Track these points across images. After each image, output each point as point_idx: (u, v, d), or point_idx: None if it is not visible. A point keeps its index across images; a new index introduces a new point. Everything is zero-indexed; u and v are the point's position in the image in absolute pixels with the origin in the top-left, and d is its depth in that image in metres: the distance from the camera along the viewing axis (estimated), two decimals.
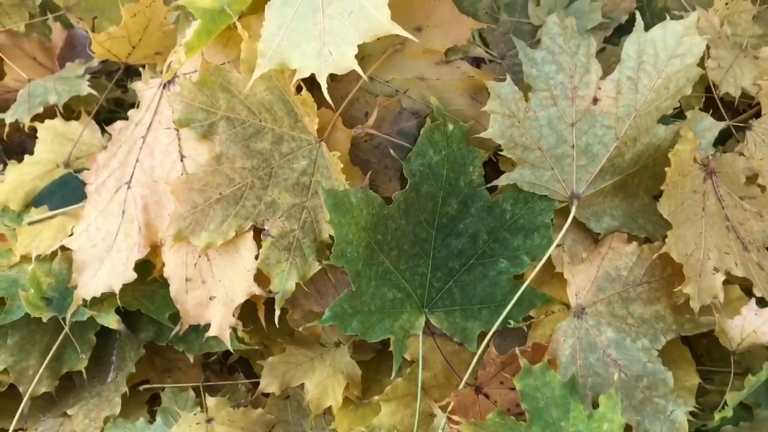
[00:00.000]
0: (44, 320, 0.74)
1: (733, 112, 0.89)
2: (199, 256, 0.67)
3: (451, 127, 0.65)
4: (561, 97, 0.66)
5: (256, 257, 0.65)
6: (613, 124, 0.67)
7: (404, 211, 0.65)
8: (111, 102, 1.00)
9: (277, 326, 0.64)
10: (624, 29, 0.96)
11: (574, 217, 0.67)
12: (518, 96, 0.65)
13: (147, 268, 0.72)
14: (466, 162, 0.66)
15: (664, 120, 0.69)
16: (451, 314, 0.67)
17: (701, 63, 0.72)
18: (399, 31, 0.55)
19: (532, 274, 0.66)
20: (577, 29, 0.92)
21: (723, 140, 0.85)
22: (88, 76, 0.90)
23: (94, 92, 0.87)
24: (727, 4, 0.90)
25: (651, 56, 0.67)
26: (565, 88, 0.66)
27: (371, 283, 0.64)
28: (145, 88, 0.73)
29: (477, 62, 0.77)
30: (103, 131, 0.85)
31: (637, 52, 0.67)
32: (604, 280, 0.68)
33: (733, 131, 0.83)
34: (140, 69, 0.83)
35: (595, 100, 0.67)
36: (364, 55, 0.67)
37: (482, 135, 0.65)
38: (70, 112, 0.91)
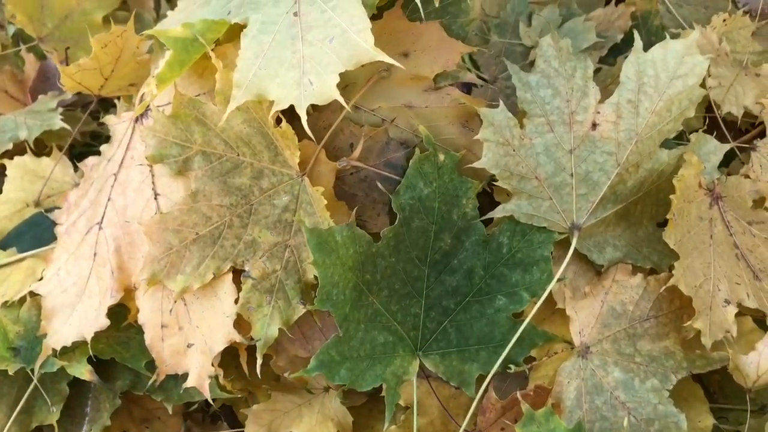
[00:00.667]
0: (11, 372, 0.69)
1: (736, 133, 0.86)
2: (175, 301, 0.63)
3: (441, 157, 0.62)
4: (558, 122, 0.63)
5: (236, 301, 0.61)
6: (614, 150, 0.64)
7: (394, 247, 0.61)
8: (87, 135, 0.97)
9: (259, 376, 0.60)
10: (620, 48, 0.93)
11: (575, 249, 0.63)
12: (513, 123, 0.62)
13: (122, 312, 0.68)
14: (459, 194, 0.63)
15: (666, 144, 0.66)
16: (447, 357, 0.63)
17: (702, 82, 0.70)
18: (383, 57, 0.51)
19: (533, 311, 0.62)
20: (572, 49, 0.91)
21: (726, 162, 0.82)
22: (60, 110, 0.86)
23: (67, 126, 0.83)
24: (725, 20, 0.87)
25: (652, 78, 0.64)
26: (562, 113, 0.63)
27: (360, 326, 0.60)
28: (116, 122, 0.69)
29: (468, 87, 0.74)
30: (76, 167, 0.81)
31: (637, 73, 0.64)
32: (609, 316, 0.64)
33: (737, 153, 0.80)
34: (116, 101, 0.80)
35: (594, 125, 0.64)
36: (347, 83, 0.64)
37: (475, 165, 0.61)
38: (42, 147, 0.87)
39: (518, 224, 0.63)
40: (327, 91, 0.52)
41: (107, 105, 0.94)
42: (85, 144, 0.96)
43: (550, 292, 0.63)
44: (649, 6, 0.93)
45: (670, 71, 0.64)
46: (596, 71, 0.88)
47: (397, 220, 0.62)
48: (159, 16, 0.98)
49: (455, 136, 0.64)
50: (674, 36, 0.89)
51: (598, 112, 0.64)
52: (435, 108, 0.64)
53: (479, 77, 0.93)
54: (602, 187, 0.64)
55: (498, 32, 0.94)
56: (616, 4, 0.95)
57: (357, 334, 0.60)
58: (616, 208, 0.65)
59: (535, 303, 0.62)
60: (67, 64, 0.84)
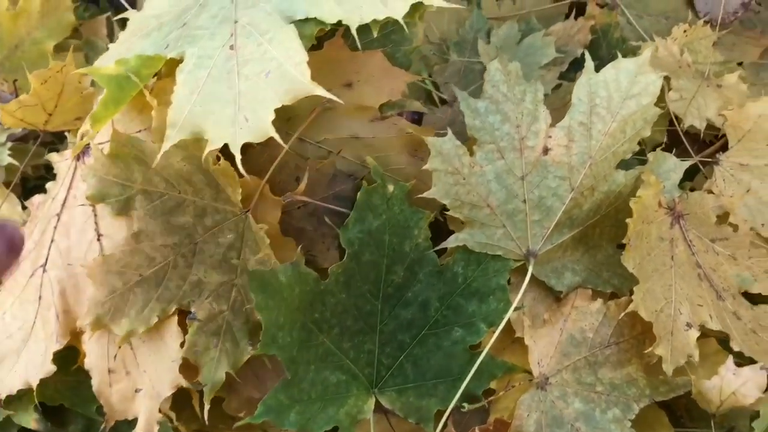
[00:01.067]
0: None
1: (700, 145, 0.85)
2: (119, 346, 0.61)
3: (391, 188, 0.60)
4: (508, 148, 0.62)
5: (182, 345, 0.59)
6: (566, 175, 0.62)
7: (344, 283, 0.60)
8: (41, 169, 0.95)
9: (206, 423, 0.58)
10: (580, 63, 0.92)
11: (532, 275, 0.62)
12: (461, 151, 0.61)
13: (71, 356, 0.66)
14: (410, 225, 0.61)
15: (623, 164, 0.65)
16: (404, 393, 0.62)
17: (662, 96, 0.69)
18: (321, 92, 0.50)
19: (490, 342, 0.60)
20: (531, 65, 0.89)
21: (691, 176, 0.81)
22: (9, 144, 0.84)
23: (15, 162, 0.81)
24: (685, 31, 0.87)
25: (604, 99, 0.63)
26: (512, 139, 0.62)
27: (310, 367, 0.58)
28: (59, 160, 0.68)
29: (418, 116, 0.73)
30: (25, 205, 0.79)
31: (589, 95, 0.63)
32: (569, 345, 0.63)
33: (701, 167, 0.79)
34: (66, 134, 0.78)
35: (546, 150, 0.62)
36: (291, 115, 0.62)
37: (425, 195, 0.60)
38: None
39: (472, 253, 0.62)
40: (263, 127, 0.50)
41: (62, 137, 0.92)
42: (39, 177, 0.94)
43: (509, 321, 0.62)
44: (609, 19, 0.93)
45: (623, 91, 0.63)
46: (556, 87, 0.87)
47: (345, 256, 0.60)
48: (114, 41, 0.95)
49: (404, 165, 0.63)
50: (635, 48, 0.89)
51: (550, 137, 0.62)
52: (382, 138, 0.63)
53: (439, 98, 0.92)
54: (557, 212, 0.63)
55: (457, 51, 0.94)
56: (576, 18, 0.94)
57: (307, 375, 0.58)
58: (572, 232, 0.64)
59: (494, 333, 0.61)
60: (17, 95, 0.82)
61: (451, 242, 0.61)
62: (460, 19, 0.98)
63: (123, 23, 0.88)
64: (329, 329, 0.60)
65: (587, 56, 0.64)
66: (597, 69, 0.64)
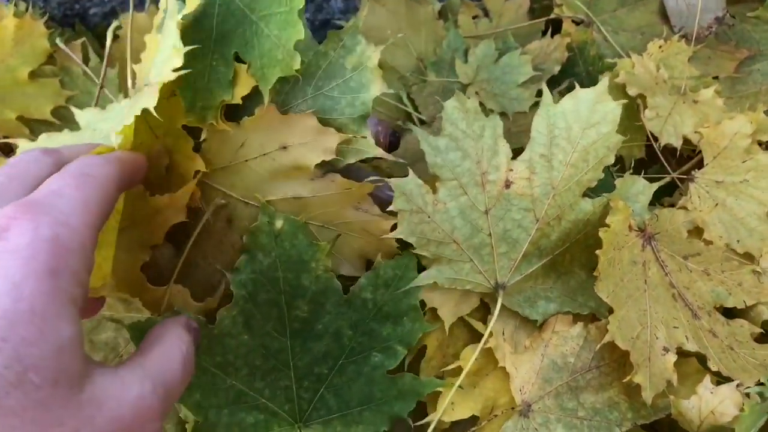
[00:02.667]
0: None
1: (678, 160, 0.87)
2: None
3: (280, 223, 0.62)
4: (470, 184, 0.64)
5: None
6: (530, 206, 0.65)
7: (244, 324, 0.61)
8: None
9: None
10: (557, 80, 0.94)
11: (506, 306, 0.65)
12: (424, 190, 0.63)
13: None
14: (305, 258, 0.63)
15: (591, 192, 0.66)
16: (329, 424, 0.63)
17: (637, 114, 0.69)
18: None
19: (465, 372, 0.62)
20: (509, 84, 0.91)
21: (670, 191, 0.83)
22: None
23: None
24: (661, 47, 0.89)
25: (563, 130, 0.65)
26: (474, 174, 0.64)
27: (223, 411, 0.60)
28: None
29: (395, 138, 0.74)
30: None
31: (548, 127, 0.65)
32: (550, 370, 0.65)
33: (678, 183, 0.81)
34: None
35: (508, 183, 0.64)
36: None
37: (391, 235, 0.63)
38: None
39: (379, 277, 0.64)
40: None
41: None
42: None
43: (489, 349, 0.64)
44: (585, 36, 0.95)
45: (583, 121, 0.65)
46: (534, 105, 0.90)
47: (235, 298, 0.62)
48: (89, 68, 0.96)
49: (351, 219, 0.65)
50: (611, 65, 0.91)
51: (511, 170, 0.64)
52: (323, 196, 0.64)
53: (418, 118, 0.94)
54: (523, 243, 0.65)
55: (435, 70, 0.96)
56: (552, 36, 0.96)
57: (221, 419, 0.60)
58: (542, 261, 0.66)
59: (407, 353, 0.63)
60: None
61: (422, 280, 0.63)
62: (437, 38, 1.00)
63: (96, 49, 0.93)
64: (236, 371, 0.62)
65: (545, 89, 0.66)
66: (571, 88, 0.66)
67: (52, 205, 0.41)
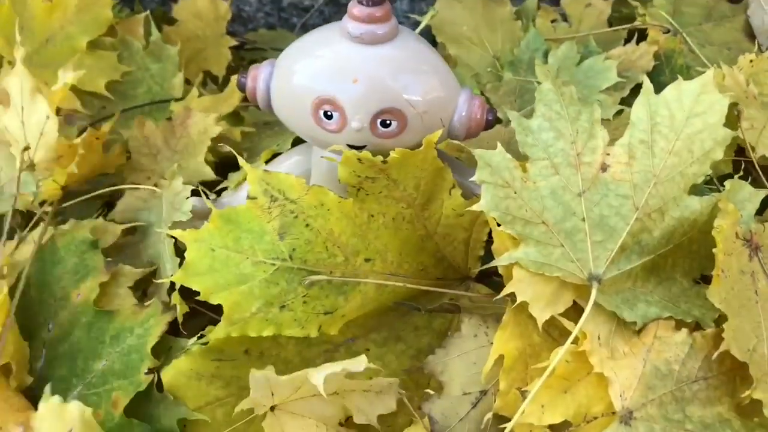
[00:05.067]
0: None
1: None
2: None
3: None
4: (563, 164, 0.60)
5: None
6: (629, 193, 0.60)
7: None
8: None
9: None
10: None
11: (601, 305, 0.59)
12: (512, 164, 0.59)
13: None
14: None
15: (697, 191, 0.63)
16: None
17: (733, 124, 0.67)
18: None
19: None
20: (591, 89, 0.88)
21: (761, 209, 0.80)
22: None
23: None
24: (751, 61, 0.86)
25: (665, 117, 0.62)
26: (567, 155, 0.61)
27: None
28: None
29: (493, 116, 0.71)
30: None
31: (649, 114, 0.62)
32: (653, 377, 0.58)
33: None
34: None
35: (605, 167, 0.61)
36: None
37: (474, 208, 0.59)
38: None
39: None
40: None
41: None
42: None
43: (583, 352, 0.58)
44: (672, 45, 0.93)
45: (686, 110, 0.62)
46: (618, 113, 0.86)
47: None
48: (149, 43, 0.96)
49: None
50: (699, 75, 0.88)
51: (608, 154, 0.61)
52: None
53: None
54: (620, 233, 0.60)
55: (512, 69, 0.94)
56: (638, 43, 0.94)
57: None
58: (642, 260, 0.61)
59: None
60: None
61: (504, 260, 0.58)
62: (514, 38, 0.99)
63: (159, 25, 0.92)
64: None
65: (645, 79, 0.63)
66: (659, 90, 0.63)
67: None
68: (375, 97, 0.59)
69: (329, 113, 0.60)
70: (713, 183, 0.76)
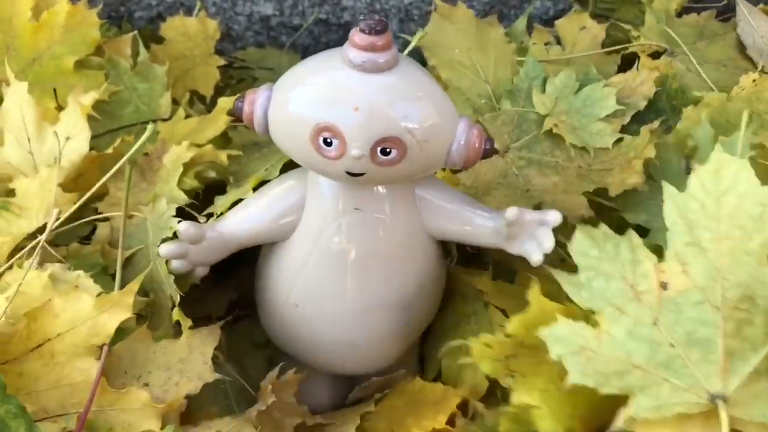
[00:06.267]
0: None
1: None
2: None
3: None
4: (625, 303, 0.53)
5: None
6: (701, 297, 0.52)
7: None
8: None
9: None
10: (643, 117, 0.80)
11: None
12: (579, 327, 0.52)
13: None
14: None
15: None
16: None
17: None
18: None
19: None
20: (590, 117, 0.76)
21: None
22: None
23: None
24: (754, 80, 0.76)
25: (698, 210, 0.52)
26: (624, 292, 0.53)
27: None
28: None
29: (490, 145, 0.59)
30: None
31: (681, 215, 0.53)
32: None
33: None
34: None
35: (664, 285, 0.53)
36: None
37: (567, 385, 0.50)
38: None
39: None
40: None
41: None
42: None
43: None
44: (665, 70, 0.82)
45: (714, 193, 0.53)
46: (617, 141, 0.77)
47: None
48: (136, 63, 0.86)
49: None
50: (696, 99, 0.78)
51: (662, 271, 0.53)
52: None
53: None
54: (716, 339, 0.51)
55: (510, 99, 0.83)
56: (627, 70, 0.85)
57: None
58: (761, 352, 0.51)
59: None
60: None
61: (621, 421, 0.50)
62: (507, 62, 0.87)
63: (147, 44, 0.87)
64: None
65: (664, 183, 0.53)
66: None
67: None
68: (376, 125, 0.53)
69: (329, 140, 0.53)
70: None
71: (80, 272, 0.60)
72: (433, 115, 0.55)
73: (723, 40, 0.89)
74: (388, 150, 0.54)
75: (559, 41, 0.91)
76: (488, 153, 0.58)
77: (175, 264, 0.61)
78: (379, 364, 0.68)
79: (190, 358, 0.60)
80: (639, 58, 0.84)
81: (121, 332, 0.59)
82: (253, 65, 0.97)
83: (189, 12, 0.95)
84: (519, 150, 0.77)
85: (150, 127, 0.66)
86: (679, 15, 0.91)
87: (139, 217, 0.67)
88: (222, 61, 0.91)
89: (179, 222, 0.61)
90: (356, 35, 0.53)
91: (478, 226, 0.61)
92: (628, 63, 0.88)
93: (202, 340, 0.60)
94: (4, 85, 0.72)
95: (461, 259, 0.74)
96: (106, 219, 0.70)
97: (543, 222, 0.59)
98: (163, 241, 0.62)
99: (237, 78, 0.95)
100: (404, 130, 0.53)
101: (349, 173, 0.55)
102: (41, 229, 0.64)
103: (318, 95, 0.54)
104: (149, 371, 0.59)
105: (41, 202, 0.65)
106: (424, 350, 0.73)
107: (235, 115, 0.57)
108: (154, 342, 0.61)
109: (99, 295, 0.58)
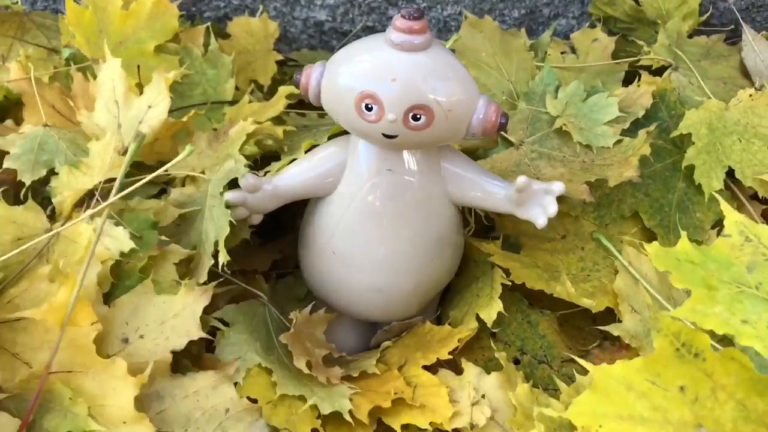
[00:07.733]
0: None
1: None
2: None
3: None
4: None
5: None
6: None
7: None
8: None
9: None
10: (641, 123, 0.89)
11: None
12: None
13: None
14: None
15: None
16: None
17: None
18: None
19: None
20: (595, 121, 0.86)
21: None
22: None
23: None
24: (751, 95, 0.84)
25: None
26: None
27: None
28: None
29: (505, 120, 0.66)
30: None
31: None
32: None
33: None
34: None
35: None
36: None
37: None
38: None
39: None
40: None
41: None
42: None
43: None
44: (665, 85, 0.92)
45: None
46: (617, 142, 0.86)
47: None
48: (207, 51, 0.95)
49: None
50: (697, 104, 0.86)
51: None
52: None
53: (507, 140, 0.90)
54: None
55: (526, 99, 0.94)
56: (631, 83, 0.94)
57: None
58: None
59: None
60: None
61: None
62: (527, 67, 0.97)
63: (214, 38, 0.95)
64: None
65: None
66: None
67: None
68: (409, 94, 0.61)
69: (370, 106, 0.61)
70: None
71: (121, 228, 0.65)
72: (457, 89, 0.63)
73: (727, 60, 0.96)
74: (418, 116, 0.61)
75: (574, 50, 1.00)
76: (503, 126, 0.65)
77: (237, 211, 0.68)
78: (402, 314, 0.75)
79: (183, 314, 0.63)
80: (640, 75, 0.93)
81: (127, 284, 0.64)
82: (305, 64, 1.04)
83: (252, 14, 1.04)
84: (531, 144, 0.86)
85: (188, 148, 0.67)
86: (690, 36, 0.98)
87: (203, 179, 0.73)
88: (279, 56, 1.00)
89: (242, 174, 0.69)
90: (398, 20, 0.61)
91: (491, 193, 0.69)
92: (633, 77, 0.96)
93: (195, 299, 0.64)
94: (100, 61, 0.80)
95: (477, 231, 0.84)
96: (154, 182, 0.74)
97: (548, 191, 0.66)
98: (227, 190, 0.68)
99: (290, 75, 1.03)
100: (433, 101, 0.61)
101: (385, 135, 0.63)
102: (98, 187, 0.70)
103: (363, 69, 0.63)
104: (147, 324, 0.63)
105: (102, 163, 0.71)
106: (441, 310, 0.80)
107: (295, 85, 0.68)
108: (156, 295, 0.64)
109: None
